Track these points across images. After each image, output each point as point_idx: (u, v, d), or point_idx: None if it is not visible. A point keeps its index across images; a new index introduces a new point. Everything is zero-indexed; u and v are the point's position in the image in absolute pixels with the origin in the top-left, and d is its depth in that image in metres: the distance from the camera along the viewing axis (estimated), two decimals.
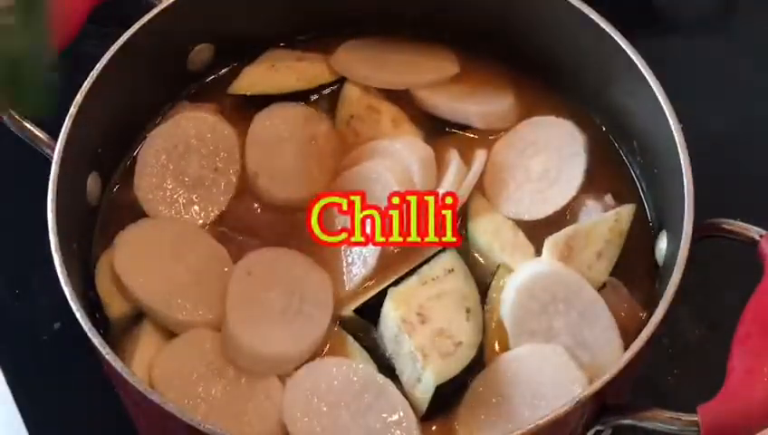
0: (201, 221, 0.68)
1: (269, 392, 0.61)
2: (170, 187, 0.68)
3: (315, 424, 0.60)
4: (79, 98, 0.64)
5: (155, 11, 0.68)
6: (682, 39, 0.88)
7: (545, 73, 0.73)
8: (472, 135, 0.72)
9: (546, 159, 0.69)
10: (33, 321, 0.78)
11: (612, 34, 0.67)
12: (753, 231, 0.61)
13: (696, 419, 0.56)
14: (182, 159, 0.69)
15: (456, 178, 0.67)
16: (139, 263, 0.65)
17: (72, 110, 0.64)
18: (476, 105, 0.72)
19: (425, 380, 0.60)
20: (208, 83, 0.73)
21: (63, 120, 0.64)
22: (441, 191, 0.66)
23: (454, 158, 0.69)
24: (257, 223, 0.68)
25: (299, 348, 0.62)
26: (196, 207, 0.68)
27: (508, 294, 0.64)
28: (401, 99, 0.72)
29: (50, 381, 0.75)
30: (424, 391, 0.61)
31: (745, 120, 0.83)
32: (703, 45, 0.88)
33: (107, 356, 0.57)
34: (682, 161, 0.62)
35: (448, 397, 0.61)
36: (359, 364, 0.62)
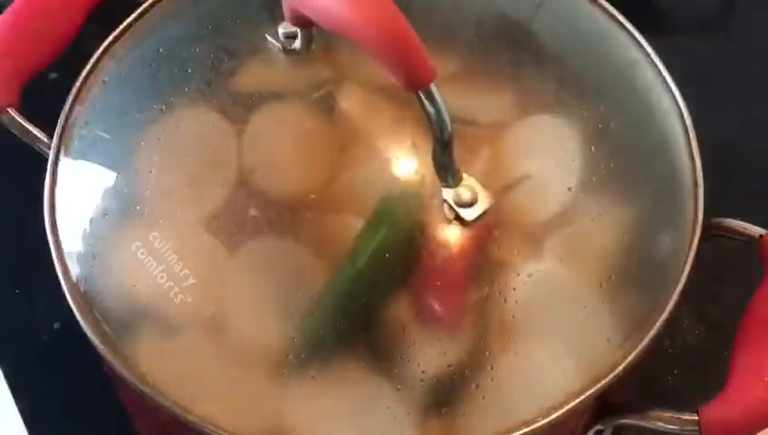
0: (197, 217, 0.68)
1: (271, 392, 0.61)
2: (167, 182, 0.68)
3: (314, 425, 0.60)
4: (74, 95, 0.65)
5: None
6: (682, 39, 0.88)
7: (547, 70, 0.73)
8: (474, 130, 0.72)
9: (541, 162, 0.69)
10: (32, 321, 0.78)
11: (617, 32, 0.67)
12: (755, 230, 0.61)
13: (696, 418, 0.56)
14: (180, 154, 0.69)
15: None
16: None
17: (69, 109, 0.64)
18: (479, 99, 0.72)
19: (418, 371, 0.60)
20: (207, 81, 0.73)
21: None
22: None
23: None
24: (254, 219, 0.68)
25: None
26: (192, 203, 0.68)
27: (510, 294, 0.64)
28: (401, 98, 0.72)
29: (50, 381, 0.75)
30: (418, 384, 0.61)
31: (746, 120, 0.83)
32: (703, 46, 0.88)
33: (107, 356, 0.57)
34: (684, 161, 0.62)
35: (447, 395, 0.61)
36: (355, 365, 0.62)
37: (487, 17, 0.72)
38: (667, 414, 0.57)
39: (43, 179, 0.62)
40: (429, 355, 0.61)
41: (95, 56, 0.67)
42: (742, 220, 0.62)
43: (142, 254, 0.65)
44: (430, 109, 0.56)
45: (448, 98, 0.70)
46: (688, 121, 0.64)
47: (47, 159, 0.64)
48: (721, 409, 0.56)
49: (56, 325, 0.76)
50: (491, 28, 0.73)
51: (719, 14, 0.92)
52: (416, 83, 0.55)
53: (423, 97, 0.56)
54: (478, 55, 0.76)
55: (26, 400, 0.74)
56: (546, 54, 0.72)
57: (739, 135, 0.81)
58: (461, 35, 0.75)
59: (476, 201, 0.61)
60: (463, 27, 0.74)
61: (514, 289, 0.64)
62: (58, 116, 0.63)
